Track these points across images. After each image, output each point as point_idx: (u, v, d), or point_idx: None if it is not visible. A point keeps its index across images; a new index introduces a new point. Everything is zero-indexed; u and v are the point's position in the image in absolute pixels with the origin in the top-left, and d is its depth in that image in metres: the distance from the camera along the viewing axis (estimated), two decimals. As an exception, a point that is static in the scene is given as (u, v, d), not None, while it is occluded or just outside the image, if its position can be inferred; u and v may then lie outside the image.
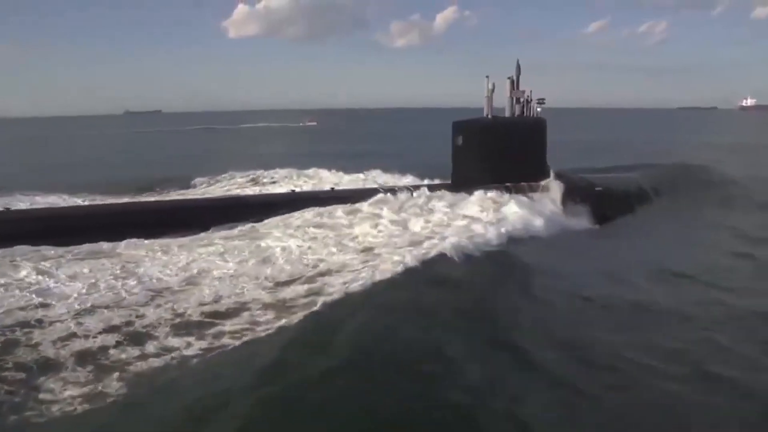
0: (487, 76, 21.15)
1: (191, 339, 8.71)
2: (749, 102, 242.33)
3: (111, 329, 9.15)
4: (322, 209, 17.76)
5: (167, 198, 22.11)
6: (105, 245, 14.61)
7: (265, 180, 26.56)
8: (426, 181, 22.73)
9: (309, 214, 17.52)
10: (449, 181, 21.20)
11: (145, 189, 24.81)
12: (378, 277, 10.83)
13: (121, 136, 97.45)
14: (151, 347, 8.47)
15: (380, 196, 19.05)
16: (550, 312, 9.72)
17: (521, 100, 21.49)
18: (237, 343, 8.36)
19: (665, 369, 7.54)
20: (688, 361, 7.85)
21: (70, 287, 11.18)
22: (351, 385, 6.49)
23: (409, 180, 24.26)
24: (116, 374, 7.58)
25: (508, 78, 21.39)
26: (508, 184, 19.93)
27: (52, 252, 13.77)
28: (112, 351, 8.38)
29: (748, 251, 14.24)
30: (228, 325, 9.17)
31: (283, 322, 8.98)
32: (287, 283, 11.52)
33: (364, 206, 18.25)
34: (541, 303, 10.14)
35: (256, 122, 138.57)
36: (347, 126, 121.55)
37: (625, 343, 8.32)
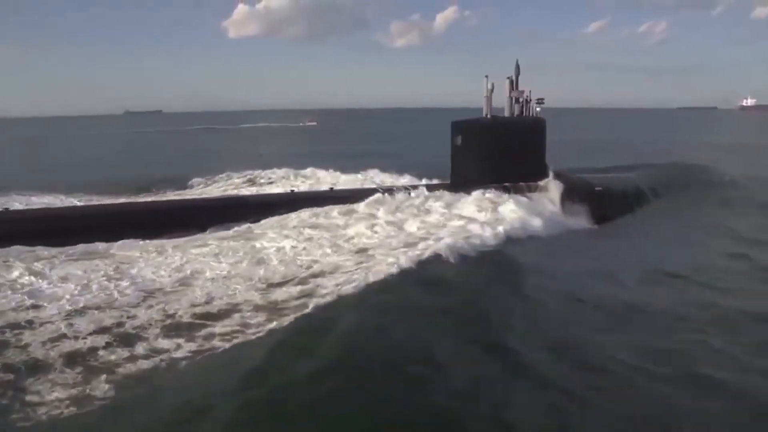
0: (486, 76, 21.12)
1: (181, 341, 8.67)
2: (749, 102, 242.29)
3: (101, 330, 9.11)
4: (318, 209, 17.73)
5: (165, 198, 22.08)
6: (100, 246, 14.60)
7: (262, 180, 26.53)
8: (424, 181, 22.70)
9: (305, 214, 17.47)
10: (448, 182, 21.18)
11: (143, 189, 24.82)
12: (371, 278, 10.77)
13: (121, 136, 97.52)
14: (140, 349, 8.44)
15: (377, 196, 19.00)
16: (542, 313, 9.67)
17: (520, 100, 21.43)
18: (227, 345, 8.32)
19: (655, 371, 7.49)
20: (678, 363, 7.80)
21: (62, 288, 11.14)
22: (337, 388, 6.44)
23: (407, 180, 24.22)
24: (104, 376, 7.55)
25: (508, 78, 21.33)
26: (506, 184, 19.88)
27: (46, 253, 13.74)
28: (101, 352, 8.35)
29: (743, 252, 14.20)
30: (218, 327, 9.13)
31: (273, 324, 8.94)
32: (280, 284, 11.48)
33: (361, 206, 18.19)
34: (533, 304, 10.08)
35: (256, 122, 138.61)
36: (347, 126, 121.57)
37: (615, 345, 8.27)
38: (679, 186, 24.79)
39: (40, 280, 11.53)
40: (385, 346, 7.50)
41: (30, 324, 9.37)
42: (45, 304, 10.22)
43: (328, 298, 9.94)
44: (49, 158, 53.51)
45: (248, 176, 27.14)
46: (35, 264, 12.67)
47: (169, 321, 9.51)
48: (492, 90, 21.02)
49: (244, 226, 16.56)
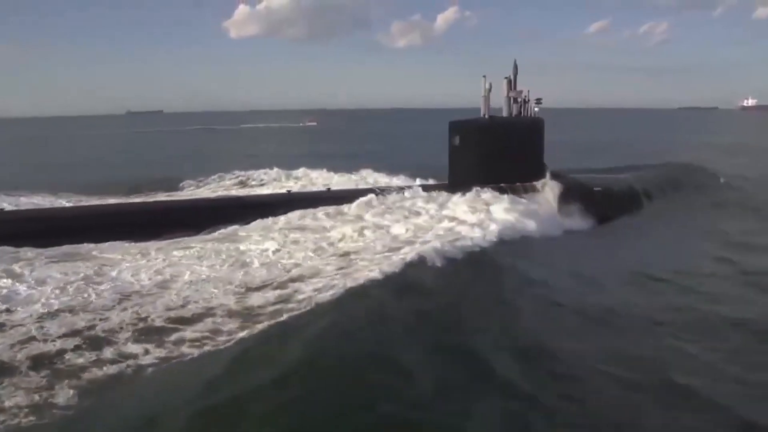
0: (484, 76, 21.04)
1: (150, 346, 8.57)
2: (750, 102, 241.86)
3: (72, 333, 9.02)
4: (305, 211, 17.63)
5: (159, 199, 21.99)
6: (85, 247, 14.54)
7: (253, 183, 26.39)
8: (419, 181, 22.63)
9: (295, 215, 17.39)
10: (446, 182, 21.05)
11: (134, 190, 24.66)
12: (349, 284, 10.64)
13: (121, 136, 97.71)
14: (108, 353, 8.33)
15: (367, 197, 18.90)
16: (518, 318, 9.56)
17: (519, 100, 21.34)
18: (195, 352, 8.21)
19: (627, 378, 7.37)
20: (651, 369, 7.68)
21: (38, 290, 11.07)
22: (296, 397, 6.33)
23: (402, 180, 24.13)
24: (68, 381, 7.45)
25: (506, 78, 21.24)
26: (502, 184, 19.76)
27: (30, 254, 13.68)
28: (68, 356, 8.26)
29: (729, 256, 14.05)
30: (189, 332, 9.02)
31: (244, 332, 8.82)
32: (258, 288, 11.35)
33: (350, 208, 18.10)
34: (511, 309, 9.97)
35: (256, 123, 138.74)
36: (347, 126, 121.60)
37: (589, 351, 8.17)
38: (676, 188, 24.67)
39: (17, 283, 11.45)
40: (351, 354, 7.38)
41: (1, 327, 9.29)
42: (18, 307, 10.14)
43: (304, 305, 9.82)
44: (49, 158, 53.65)
45: (239, 178, 27.02)
46: (15, 266, 12.59)
47: (141, 325, 9.41)
48: (490, 90, 20.95)
49: (231, 228, 16.48)
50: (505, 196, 19.08)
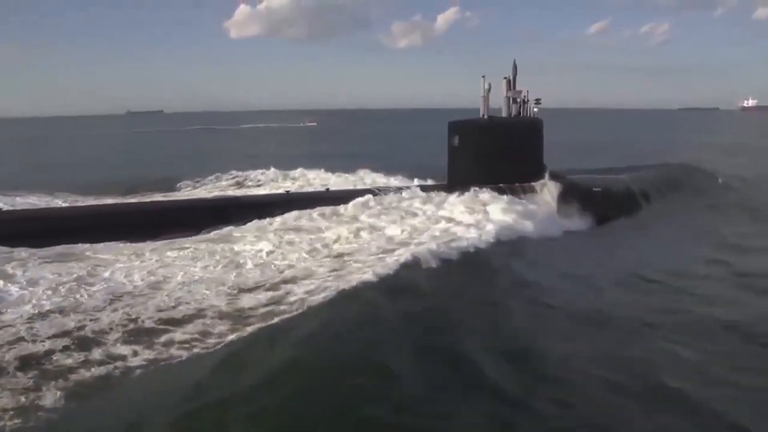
0: (483, 76, 21.00)
1: (139, 347, 8.53)
2: (750, 102, 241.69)
3: (61, 334, 8.96)
4: (302, 212, 17.57)
5: (158, 199, 21.96)
6: (79, 248, 14.50)
7: (250, 183, 26.35)
8: (418, 182, 22.60)
9: (290, 216, 17.34)
10: (445, 182, 21.00)
11: (130, 191, 24.61)
12: (342, 286, 10.59)
13: (121, 136, 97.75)
14: (97, 354, 8.29)
15: (364, 198, 18.85)
16: (509, 320, 9.52)
17: (518, 100, 21.30)
18: (184, 354, 8.18)
19: (615, 381, 7.33)
20: (640, 373, 7.63)
21: (29, 291, 11.02)
22: (282, 401, 6.30)
23: (400, 180, 24.09)
24: (54, 383, 7.39)
25: (505, 78, 21.20)
26: (501, 185, 19.71)
27: (24, 254, 13.65)
28: (56, 356, 8.20)
29: (724, 258, 14.01)
30: (179, 334, 8.97)
31: (234, 334, 8.78)
32: (251, 290, 11.30)
33: (346, 209, 18.05)
34: (502, 311, 9.94)
35: (256, 123, 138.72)
36: (347, 126, 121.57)
37: (579, 353, 8.12)
38: (673, 188, 24.63)
39: (9, 284, 11.40)
40: (339, 357, 7.34)
41: (-10, 328, 9.25)
42: (8, 309, 10.10)
43: (295, 307, 9.79)
44: (49, 158, 53.69)
45: (236, 178, 26.99)
46: (7, 266, 12.54)
47: (131, 326, 9.37)
48: (489, 90, 20.92)
49: (227, 229, 16.43)
50: (504, 196, 19.02)
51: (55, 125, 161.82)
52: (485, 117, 20.99)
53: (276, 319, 9.16)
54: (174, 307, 10.29)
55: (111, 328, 9.25)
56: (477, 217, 17.07)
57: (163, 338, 8.87)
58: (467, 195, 18.95)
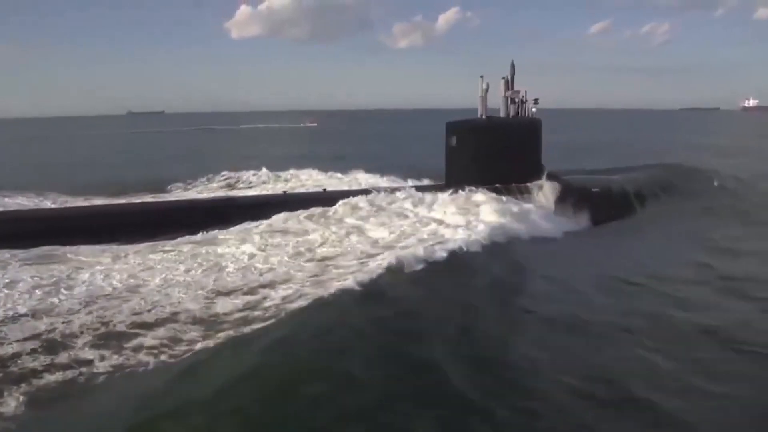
0: (481, 76, 20.90)
1: (107, 352, 8.45)
2: (751, 103, 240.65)
3: (31, 338, 8.94)
4: (291, 213, 17.44)
5: (146, 200, 21.89)
6: (63, 249, 14.44)
7: (241, 185, 26.25)
8: (415, 182, 22.51)
9: (279, 217, 17.22)
10: (443, 183, 20.88)
11: (122, 192, 24.55)
12: (319, 292, 10.49)
13: (121, 137, 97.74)
14: (63, 359, 8.23)
15: (354, 199, 18.73)
16: (483, 326, 9.36)
17: (516, 100, 21.18)
18: (150, 360, 8.08)
19: (582, 389, 7.18)
20: (613, 382, 7.47)
21: (4, 293, 11.00)
22: (238, 409, 6.19)
23: (397, 180, 23.97)
24: (16, 387, 7.33)
25: (503, 78, 21.09)
26: (497, 185, 19.58)
27: (7, 255, 13.62)
28: (22, 360, 8.16)
29: (710, 262, 13.78)
30: (149, 339, 8.89)
31: (204, 341, 8.69)
32: (228, 293, 11.21)
33: (336, 211, 17.93)
34: (477, 316, 9.77)
35: (256, 123, 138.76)
36: (348, 127, 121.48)
37: (550, 360, 7.99)
38: (670, 189, 24.41)
39: (-16, 286, 11.35)
40: (302, 365, 7.22)
41: (-41, 331, 9.18)
42: (-20, 312, 10.03)
43: (269, 314, 9.69)
44: (48, 158, 53.72)
45: (228, 180, 26.89)
46: (-14, 268, 12.50)
47: (102, 330, 9.31)
48: (487, 90, 20.80)
49: (213, 231, 16.31)
50: (499, 197, 18.86)
51: (55, 125, 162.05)
52: (483, 117, 20.86)
53: (247, 326, 9.05)
54: (149, 311, 10.23)
55: (82, 332, 9.20)
56: (468, 218, 16.89)
57: (133, 343, 8.79)
58: (460, 196, 18.77)
